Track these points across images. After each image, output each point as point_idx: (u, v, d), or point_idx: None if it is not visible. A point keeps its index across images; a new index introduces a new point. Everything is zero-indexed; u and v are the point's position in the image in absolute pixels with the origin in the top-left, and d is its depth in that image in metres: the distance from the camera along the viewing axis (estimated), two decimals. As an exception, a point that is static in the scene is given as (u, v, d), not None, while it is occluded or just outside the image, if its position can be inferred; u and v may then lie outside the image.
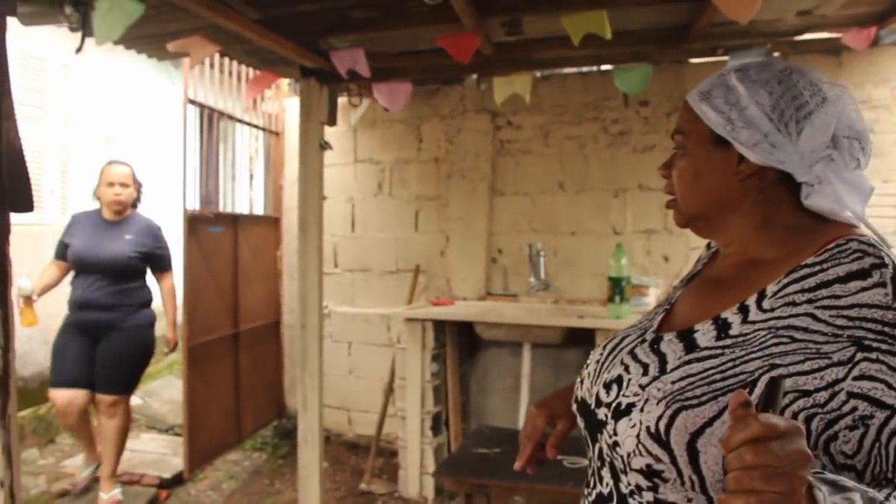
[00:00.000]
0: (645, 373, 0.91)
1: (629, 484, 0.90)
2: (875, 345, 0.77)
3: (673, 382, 0.86)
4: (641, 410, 0.86)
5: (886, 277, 0.81)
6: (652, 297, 3.89)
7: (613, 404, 0.92)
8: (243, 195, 4.96)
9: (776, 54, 3.22)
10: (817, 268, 0.85)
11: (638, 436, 0.85)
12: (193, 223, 4.01)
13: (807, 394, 0.77)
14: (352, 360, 4.87)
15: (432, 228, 4.60)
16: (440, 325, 4.04)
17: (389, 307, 4.55)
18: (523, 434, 1.21)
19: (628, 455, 0.87)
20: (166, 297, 3.94)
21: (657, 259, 4.12)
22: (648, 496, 0.87)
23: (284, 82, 4.83)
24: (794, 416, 0.77)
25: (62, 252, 3.69)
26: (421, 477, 3.97)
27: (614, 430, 0.90)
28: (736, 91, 0.92)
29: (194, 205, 4.17)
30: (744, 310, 0.89)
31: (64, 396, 3.58)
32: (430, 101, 4.56)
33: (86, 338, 3.65)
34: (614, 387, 0.94)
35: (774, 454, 0.61)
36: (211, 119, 4.27)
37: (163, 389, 5.43)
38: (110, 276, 3.65)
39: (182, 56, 3.16)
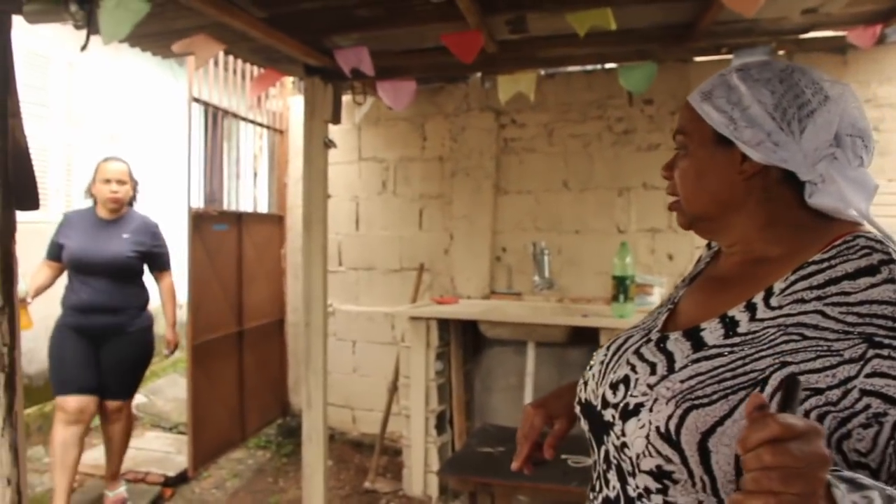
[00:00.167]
0: (653, 372, 0.90)
1: (637, 486, 0.88)
2: (887, 341, 0.76)
3: (682, 381, 0.85)
4: (650, 410, 0.85)
5: (895, 273, 0.80)
6: (656, 296, 3.88)
7: (621, 405, 0.91)
8: (247, 193, 4.97)
9: (781, 53, 3.22)
10: (825, 264, 0.85)
11: (647, 436, 0.84)
12: (198, 221, 4.02)
13: (819, 392, 0.76)
14: (356, 359, 4.88)
15: (436, 227, 4.60)
16: (444, 324, 4.04)
17: (393, 305, 4.55)
18: (520, 434, 1.20)
19: (637, 456, 0.86)
20: (166, 296, 3.79)
21: (661, 258, 4.11)
22: (658, 499, 0.86)
23: (289, 80, 4.84)
24: (807, 414, 0.76)
25: (56, 252, 3.52)
26: (425, 475, 3.97)
27: (622, 431, 0.89)
28: (738, 90, 0.92)
29: (199, 203, 4.17)
30: (751, 307, 0.88)
31: (75, 403, 3.39)
32: (434, 100, 4.56)
33: (86, 341, 3.49)
34: (621, 387, 0.93)
35: (793, 455, 0.61)
36: (215, 117, 4.27)
37: (167, 387, 5.44)
38: (111, 278, 3.51)
39: (187, 54, 3.16)
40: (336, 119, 3.55)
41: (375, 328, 4.79)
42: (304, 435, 3.48)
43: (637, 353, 0.96)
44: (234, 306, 4.52)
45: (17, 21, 2.08)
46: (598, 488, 0.99)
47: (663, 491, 0.85)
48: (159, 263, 3.73)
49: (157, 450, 4.46)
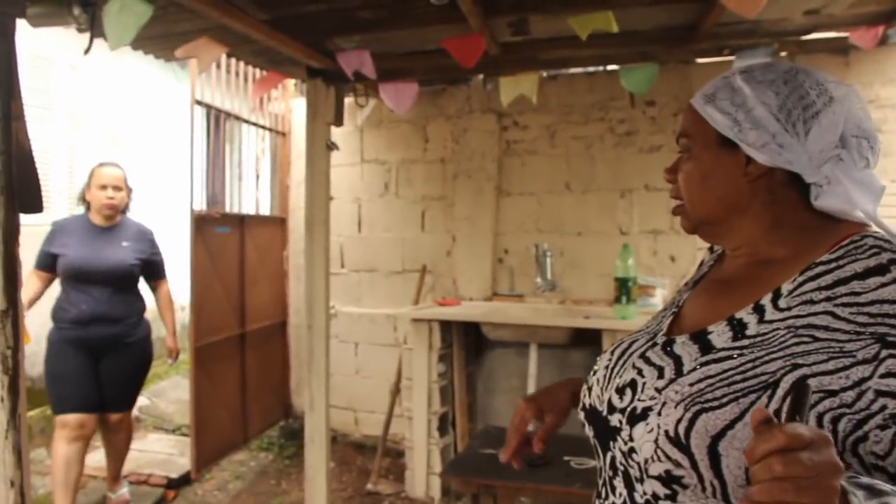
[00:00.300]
0: (660, 375, 0.88)
1: (645, 493, 0.87)
2: None
3: (691, 384, 0.84)
4: (659, 414, 0.84)
5: None
6: (658, 298, 3.88)
7: (628, 409, 0.89)
8: (250, 195, 4.97)
9: (783, 54, 3.22)
10: (833, 265, 0.84)
11: (656, 440, 0.83)
12: (200, 223, 4.02)
13: (833, 394, 0.75)
14: (358, 361, 4.88)
15: (438, 229, 4.60)
16: (446, 326, 4.04)
17: (396, 307, 4.55)
18: (511, 427, 1.19)
19: (646, 461, 0.85)
20: (164, 304, 3.74)
21: (664, 259, 4.11)
22: None
23: (291, 83, 4.84)
24: (820, 416, 0.75)
25: (47, 262, 3.38)
26: (427, 477, 3.97)
27: (630, 435, 0.88)
28: (742, 92, 0.91)
29: (201, 205, 4.18)
30: (759, 309, 0.87)
31: (76, 420, 3.31)
32: (436, 102, 4.56)
33: (85, 355, 3.38)
34: (628, 391, 0.91)
35: (804, 464, 0.59)
36: (218, 119, 4.28)
37: (170, 389, 5.44)
38: (112, 287, 3.42)
39: (189, 57, 3.17)
40: (338, 121, 3.55)
41: (378, 330, 4.79)
42: (307, 437, 3.48)
43: (643, 356, 0.95)
44: (236, 308, 4.52)
45: (20, 24, 2.09)
46: (603, 495, 0.97)
47: (672, 497, 0.84)
48: (157, 271, 3.67)
49: (160, 452, 4.46)
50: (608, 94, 4.15)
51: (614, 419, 0.92)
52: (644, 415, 0.86)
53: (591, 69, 4.14)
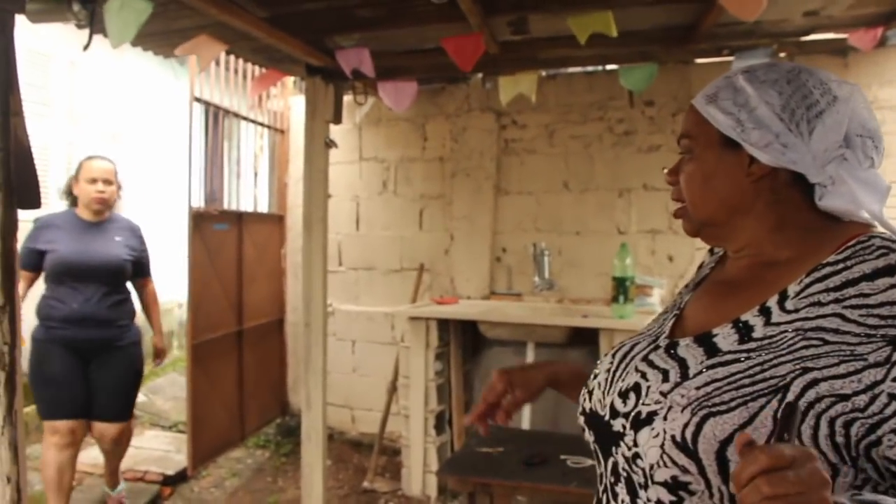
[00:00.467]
0: (665, 379, 0.87)
1: (649, 499, 0.85)
2: None
3: (697, 388, 0.82)
4: (665, 418, 0.82)
5: None
6: (656, 298, 3.89)
7: (632, 414, 0.88)
8: (248, 193, 4.97)
9: (782, 55, 3.22)
10: (840, 266, 0.83)
11: (662, 445, 0.81)
12: (198, 221, 4.02)
13: (845, 398, 0.74)
14: (355, 359, 4.88)
15: (437, 227, 4.61)
16: (444, 324, 4.04)
17: (393, 306, 4.55)
18: (482, 394, 1.21)
19: (651, 467, 0.83)
20: (151, 303, 3.60)
21: (662, 259, 4.12)
22: None
23: (290, 80, 4.84)
24: (832, 421, 0.74)
25: (34, 260, 3.17)
26: (424, 475, 3.97)
27: (634, 441, 0.86)
28: (744, 92, 0.90)
29: (199, 202, 4.17)
30: (765, 311, 0.85)
31: (67, 427, 3.19)
32: (435, 100, 4.56)
33: (73, 357, 3.21)
34: (632, 395, 0.90)
35: (790, 482, 0.60)
36: (216, 116, 4.27)
37: (167, 386, 5.44)
38: (105, 284, 3.26)
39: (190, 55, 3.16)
40: (337, 119, 3.55)
41: (375, 328, 4.79)
42: (304, 434, 3.48)
43: (646, 359, 0.93)
44: (234, 306, 4.52)
45: (20, 20, 2.09)
46: (604, 502, 0.95)
47: (678, 503, 0.82)
48: (145, 269, 3.54)
49: (157, 448, 4.46)
50: (607, 94, 4.15)
51: (617, 424, 0.90)
52: (649, 419, 0.84)
53: (590, 69, 4.14)
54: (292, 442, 4.68)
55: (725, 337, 0.87)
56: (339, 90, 3.52)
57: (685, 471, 0.80)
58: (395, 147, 4.72)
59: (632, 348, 1.00)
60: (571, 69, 4.17)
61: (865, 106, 0.89)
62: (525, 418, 3.82)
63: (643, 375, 0.91)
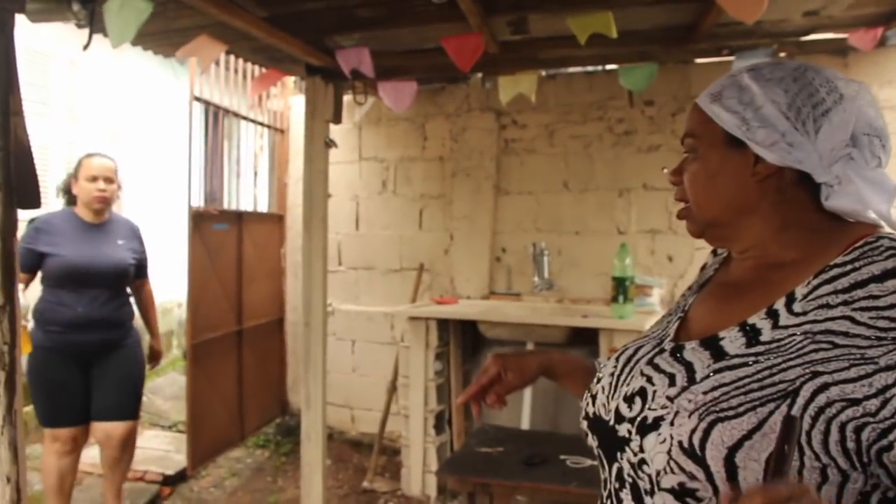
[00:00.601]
0: (672, 383, 0.85)
1: None
2: None
3: (705, 393, 0.81)
4: (672, 424, 0.81)
5: None
6: (656, 298, 3.89)
7: (638, 419, 0.86)
8: (248, 192, 4.97)
9: (782, 55, 3.22)
10: (849, 267, 0.82)
11: (669, 451, 0.80)
12: (198, 220, 4.02)
13: (856, 402, 0.72)
14: (355, 358, 4.88)
15: (437, 227, 4.61)
16: (444, 324, 4.04)
17: (393, 305, 4.55)
18: (476, 377, 1.22)
19: (658, 473, 0.81)
20: (149, 304, 3.50)
21: (661, 259, 4.12)
22: None
23: (290, 80, 4.84)
24: (843, 426, 0.72)
25: (33, 262, 3.04)
26: (424, 475, 3.97)
27: (640, 446, 0.84)
28: (750, 90, 0.88)
29: (199, 202, 4.17)
30: (773, 314, 0.84)
31: (69, 434, 3.11)
32: (434, 100, 4.56)
33: (75, 363, 3.11)
34: (637, 400, 0.88)
35: None
36: (216, 116, 4.27)
37: (166, 386, 5.44)
38: (108, 288, 3.16)
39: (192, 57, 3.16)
40: (337, 119, 3.55)
41: (375, 328, 4.79)
42: (303, 434, 3.48)
43: (651, 363, 0.92)
44: (233, 305, 4.52)
45: (20, 20, 2.08)
46: None
47: None
48: (145, 270, 3.44)
49: (156, 448, 4.46)
50: (607, 94, 4.15)
51: (622, 429, 0.89)
52: (655, 424, 0.83)
53: (590, 69, 4.14)
54: (292, 441, 4.68)
55: (732, 340, 0.85)
56: (338, 90, 3.51)
57: (692, 477, 0.78)
58: (394, 147, 4.72)
59: (636, 352, 0.98)
60: (571, 69, 4.16)
61: (872, 104, 0.87)
62: (525, 418, 3.82)
63: (649, 379, 0.89)
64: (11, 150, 1.92)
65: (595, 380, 1.02)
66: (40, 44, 4.69)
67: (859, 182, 0.84)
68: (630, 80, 3.22)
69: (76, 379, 3.12)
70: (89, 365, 3.17)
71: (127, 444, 3.26)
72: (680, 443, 0.79)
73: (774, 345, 0.81)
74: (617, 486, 0.91)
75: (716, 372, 0.83)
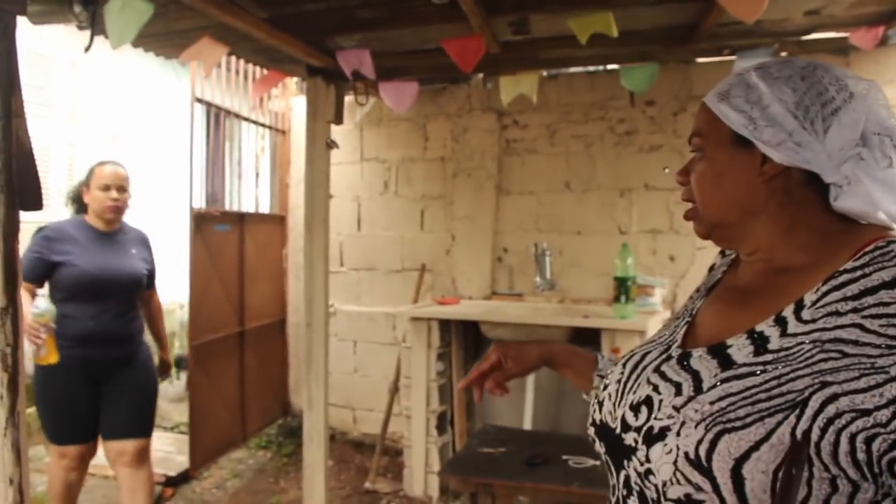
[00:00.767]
0: (678, 392, 0.84)
1: None
2: None
3: (711, 403, 0.79)
4: (678, 434, 0.79)
5: None
6: (657, 298, 3.88)
7: (644, 428, 0.85)
8: (249, 193, 4.97)
9: (783, 54, 3.22)
10: (858, 273, 0.79)
11: (675, 462, 0.78)
12: (199, 221, 4.02)
13: (866, 413, 0.70)
14: (357, 359, 4.88)
15: (438, 227, 4.61)
16: (445, 325, 4.04)
17: (395, 306, 4.55)
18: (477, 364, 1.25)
19: (664, 484, 0.80)
20: (157, 315, 3.39)
21: (663, 259, 4.11)
22: None
23: (291, 81, 4.84)
24: (852, 437, 0.71)
25: (43, 272, 2.90)
26: (426, 476, 3.97)
27: (646, 456, 0.83)
28: (757, 89, 0.87)
29: (200, 203, 4.18)
30: (781, 322, 0.82)
31: (77, 452, 3.00)
32: (436, 100, 4.56)
33: (85, 379, 2.97)
34: (643, 409, 0.87)
35: None
36: (217, 117, 4.28)
37: (168, 387, 5.43)
38: (121, 300, 3.05)
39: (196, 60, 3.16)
40: (338, 119, 3.55)
41: (377, 328, 4.80)
42: (305, 435, 3.48)
43: (658, 371, 0.91)
44: (235, 306, 4.52)
45: (21, 21, 2.09)
46: None
47: None
48: (153, 281, 3.31)
49: (158, 449, 4.45)
50: (608, 94, 4.15)
51: (629, 438, 0.88)
52: (662, 435, 0.82)
53: (591, 69, 4.14)
54: (294, 443, 4.68)
55: (740, 348, 0.83)
56: (340, 91, 3.52)
57: (699, 488, 0.77)
58: (396, 147, 4.72)
59: (643, 358, 0.97)
60: (572, 69, 4.16)
61: (884, 103, 0.85)
62: (527, 419, 3.82)
63: (655, 388, 0.88)
64: (13, 151, 1.92)
65: (602, 386, 1.01)
66: (42, 46, 4.70)
67: (869, 182, 0.82)
68: (631, 81, 3.22)
69: (85, 396, 2.98)
70: (99, 381, 3.03)
71: (142, 461, 3.10)
72: (686, 454, 0.78)
73: (783, 353, 0.79)
74: (625, 493, 0.90)
75: (723, 381, 0.81)
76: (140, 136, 5.72)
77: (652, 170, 4.07)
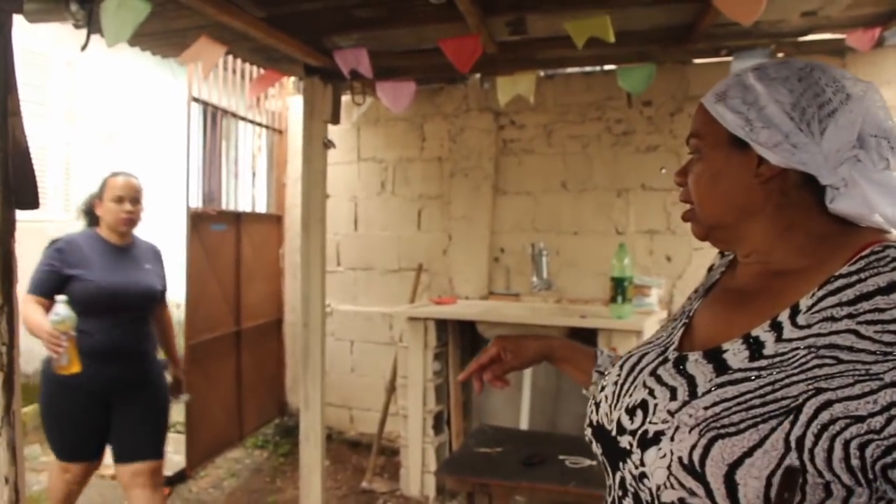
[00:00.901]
0: (673, 397, 0.84)
1: None
2: None
3: (706, 408, 0.79)
4: (672, 439, 0.80)
5: None
6: (654, 298, 3.89)
7: (639, 432, 0.85)
8: (246, 193, 4.96)
9: (780, 55, 3.22)
10: (854, 278, 0.79)
11: (669, 467, 0.79)
12: (196, 221, 4.02)
13: (860, 420, 0.71)
14: (354, 359, 4.88)
15: (435, 227, 4.61)
16: (442, 324, 4.04)
17: (392, 306, 4.55)
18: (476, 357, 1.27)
19: (658, 488, 0.80)
20: (169, 331, 3.27)
21: (660, 259, 4.12)
22: None
23: (288, 80, 4.84)
24: (846, 443, 0.71)
25: (56, 286, 2.72)
26: (422, 476, 3.97)
27: (641, 460, 0.83)
28: (754, 90, 0.87)
29: (197, 202, 4.17)
30: (777, 327, 0.82)
31: (81, 469, 2.91)
32: (433, 100, 4.56)
33: (95, 397, 2.84)
34: (639, 412, 0.87)
35: None
36: (214, 117, 4.27)
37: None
38: (132, 317, 2.92)
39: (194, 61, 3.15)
40: (335, 119, 3.55)
41: (373, 328, 4.79)
42: (302, 434, 3.48)
43: (654, 374, 0.91)
44: (232, 306, 4.52)
45: (17, 20, 2.08)
46: None
47: None
48: (165, 295, 3.16)
49: (155, 449, 4.45)
50: (605, 94, 4.15)
51: (624, 441, 0.88)
52: (656, 439, 0.82)
53: (588, 69, 4.14)
54: (290, 442, 4.68)
55: (736, 353, 0.84)
56: (337, 90, 3.51)
57: (692, 493, 0.77)
58: (393, 147, 4.72)
59: (639, 360, 0.97)
60: (569, 69, 4.17)
61: (881, 105, 0.85)
62: (523, 418, 3.82)
63: (651, 392, 0.88)
64: (9, 150, 1.91)
65: (599, 387, 1.01)
66: (38, 44, 4.69)
67: (865, 185, 0.82)
68: (629, 81, 3.23)
69: (96, 416, 2.87)
70: (111, 401, 2.90)
71: (158, 484, 2.98)
72: (680, 459, 0.78)
73: (778, 359, 0.79)
74: (620, 494, 0.90)
75: (718, 386, 0.81)
76: (136, 135, 5.72)
77: (649, 170, 4.08)
